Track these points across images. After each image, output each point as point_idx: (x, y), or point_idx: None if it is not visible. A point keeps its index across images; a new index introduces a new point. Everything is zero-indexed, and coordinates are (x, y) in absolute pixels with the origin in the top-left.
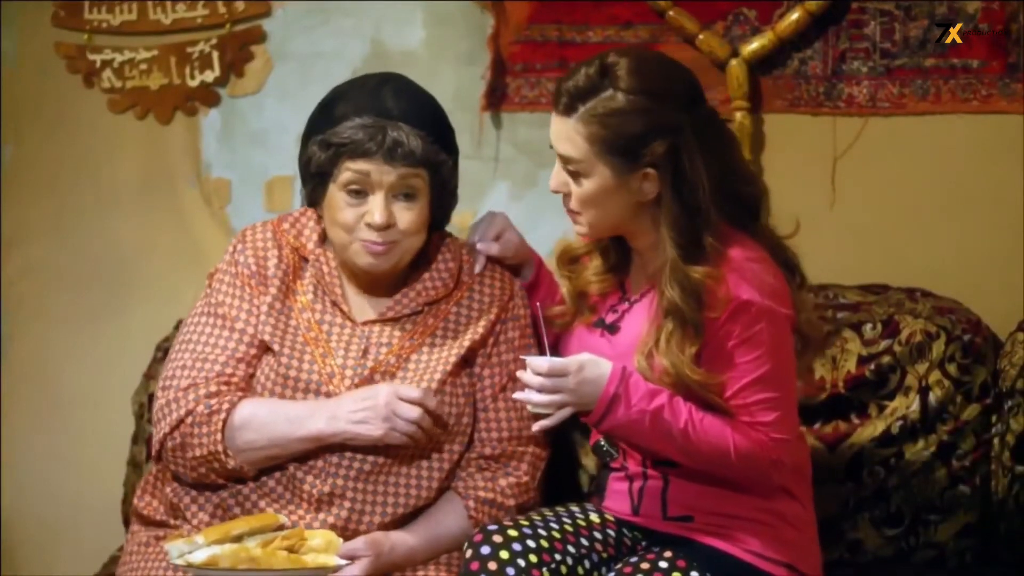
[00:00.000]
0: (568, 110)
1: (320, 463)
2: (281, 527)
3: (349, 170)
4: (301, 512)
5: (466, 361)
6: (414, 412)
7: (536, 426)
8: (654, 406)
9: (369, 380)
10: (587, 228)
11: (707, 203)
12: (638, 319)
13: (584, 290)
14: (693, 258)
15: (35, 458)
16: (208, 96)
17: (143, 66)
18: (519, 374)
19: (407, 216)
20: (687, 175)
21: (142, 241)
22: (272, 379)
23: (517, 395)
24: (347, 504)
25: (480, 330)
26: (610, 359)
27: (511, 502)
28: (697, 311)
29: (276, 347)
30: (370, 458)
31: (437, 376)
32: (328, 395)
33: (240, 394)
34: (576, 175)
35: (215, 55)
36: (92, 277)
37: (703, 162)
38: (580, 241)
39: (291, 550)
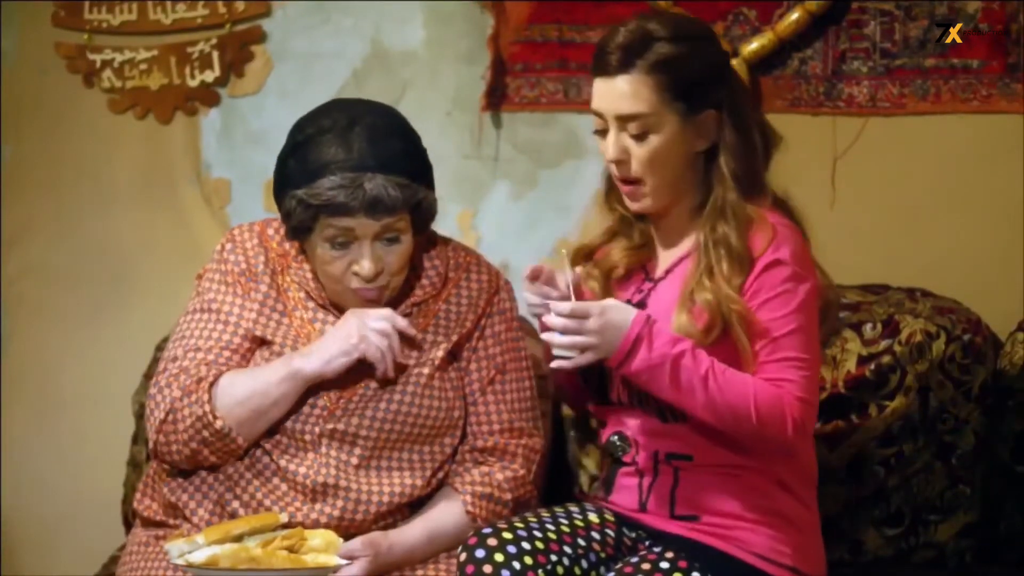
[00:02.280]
0: (624, 67)
1: (311, 455)
2: (286, 526)
3: (331, 227)
4: (298, 504)
5: (454, 355)
6: (382, 322)
7: (553, 364)
8: (676, 351)
9: (361, 372)
10: (650, 196)
11: (756, 135)
12: (666, 293)
13: (613, 268)
14: (749, 193)
15: (35, 458)
16: (208, 96)
17: (143, 66)
18: (544, 318)
19: (393, 258)
20: (739, 108)
21: (142, 241)
22: None
23: (543, 335)
24: (341, 494)
25: (467, 324)
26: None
27: (508, 496)
28: (743, 244)
29: (269, 337)
30: (357, 450)
31: (425, 371)
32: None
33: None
34: (643, 134)
35: (215, 55)
36: (92, 276)
37: (743, 97)
38: (589, 236)
39: (291, 550)
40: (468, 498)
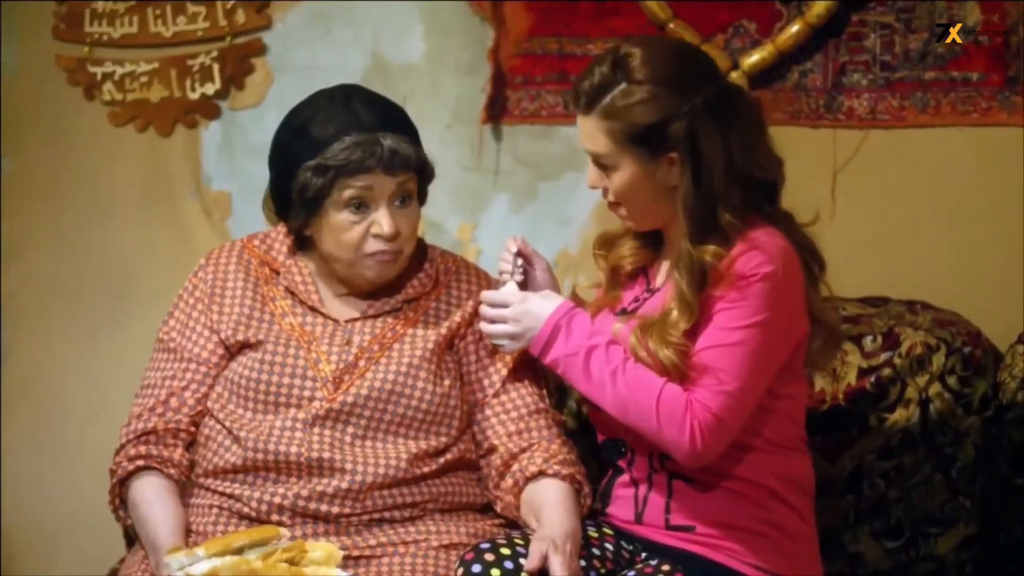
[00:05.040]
0: (587, 109)
1: (299, 434)
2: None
3: (350, 187)
4: (302, 483)
5: (449, 347)
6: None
7: (495, 343)
8: (591, 343)
9: (354, 365)
10: (631, 219)
11: (721, 183)
12: (654, 304)
13: (618, 264)
14: (702, 238)
15: (35, 469)
16: (209, 109)
17: (144, 79)
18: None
19: (406, 221)
20: (704, 155)
21: (142, 253)
22: (256, 369)
23: (480, 325)
24: (337, 467)
25: (457, 319)
26: (618, 334)
27: (572, 455)
28: (697, 293)
29: (261, 337)
30: (350, 429)
31: (417, 353)
32: (314, 379)
33: (144, 461)
34: (606, 168)
35: (216, 68)
36: (92, 289)
37: (720, 141)
38: (619, 226)
39: (291, 562)
40: (552, 468)
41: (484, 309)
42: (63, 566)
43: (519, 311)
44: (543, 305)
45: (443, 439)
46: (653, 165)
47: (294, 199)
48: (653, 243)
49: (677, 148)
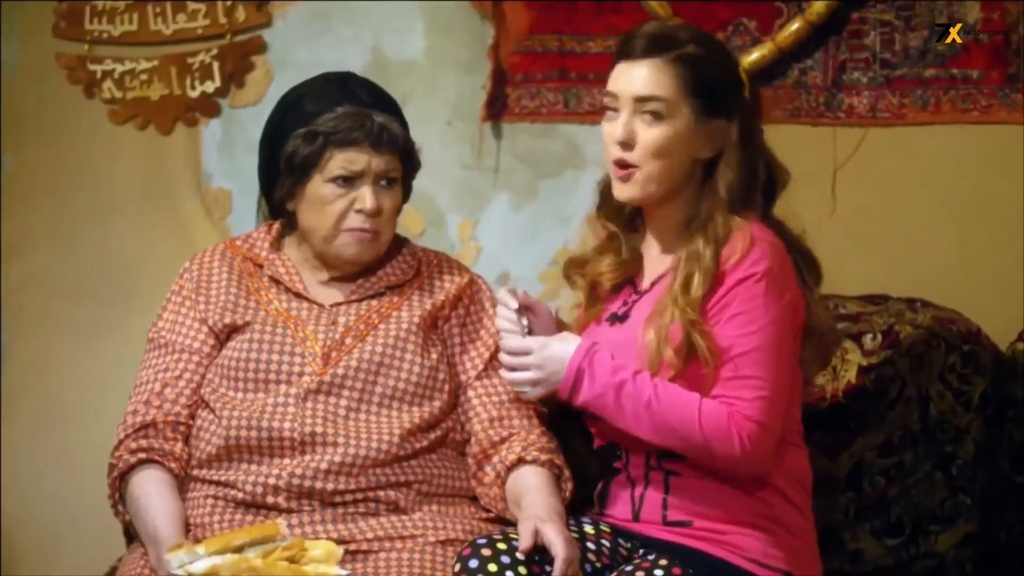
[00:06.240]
0: (650, 52)
1: (291, 409)
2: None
3: (337, 159)
4: (295, 461)
5: (434, 325)
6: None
7: (517, 391)
8: (617, 380)
9: (341, 342)
10: (641, 184)
11: (760, 160)
12: (648, 304)
13: (597, 280)
14: (736, 208)
15: (36, 467)
16: (209, 106)
17: (144, 76)
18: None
19: (389, 202)
20: (749, 127)
21: (143, 251)
22: (245, 349)
23: (502, 372)
24: (330, 441)
25: (440, 298)
26: (616, 344)
27: (553, 444)
28: (715, 259)
29: (249, 319)
30: (343, 401)
31: (403, 326)
32: (303, 356)
33: (146, 454)
34: (656, 117)
35: (215, 65)
36: (93, 287)
37: (758, 126)
38: (585, 250)
39: (292, 560)
40: (530, 455)
41: (504, 358)
42: (63, 565)
43: (542, 357)
44: (563, 349)
45: (435, 410)
46: (702, 124)
47: (281, 167)
48: (630, 260)
49: (733, 115)
